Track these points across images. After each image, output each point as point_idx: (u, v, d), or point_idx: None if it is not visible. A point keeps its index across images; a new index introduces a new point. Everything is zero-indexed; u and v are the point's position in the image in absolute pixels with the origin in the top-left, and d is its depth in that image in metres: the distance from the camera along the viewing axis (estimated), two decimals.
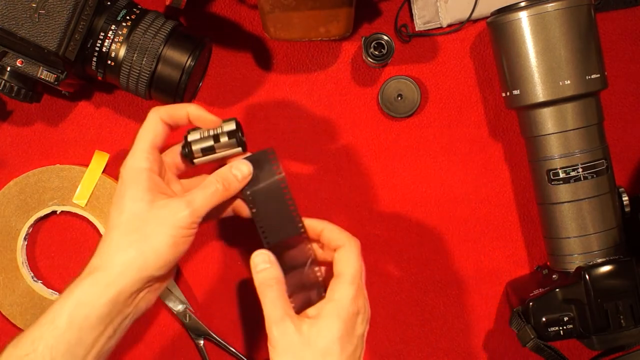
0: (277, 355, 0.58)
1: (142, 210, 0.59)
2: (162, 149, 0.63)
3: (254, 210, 0.62)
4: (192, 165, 0.64)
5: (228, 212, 0.66)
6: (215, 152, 0.63)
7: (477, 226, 0.79)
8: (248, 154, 0.64)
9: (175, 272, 0.77)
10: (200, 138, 0.63)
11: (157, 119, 0.62)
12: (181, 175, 0.66)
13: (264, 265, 0.61)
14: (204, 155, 0.63)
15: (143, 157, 0.61)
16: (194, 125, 0.63)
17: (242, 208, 0.64)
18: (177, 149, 0.65)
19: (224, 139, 0.63)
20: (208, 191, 0.61)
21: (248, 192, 0.62)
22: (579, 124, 0.69)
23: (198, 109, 0.62)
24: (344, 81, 0.78)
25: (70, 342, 0.57)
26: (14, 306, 0.76)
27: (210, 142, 0.63)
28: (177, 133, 0.64)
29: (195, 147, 0.63)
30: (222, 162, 0.64)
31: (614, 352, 0.70)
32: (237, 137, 0.63)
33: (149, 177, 0.60)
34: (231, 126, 0.63)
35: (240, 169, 0.62)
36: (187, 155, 0.63)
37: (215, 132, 0.63)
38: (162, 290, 0.64)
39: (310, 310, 0.61)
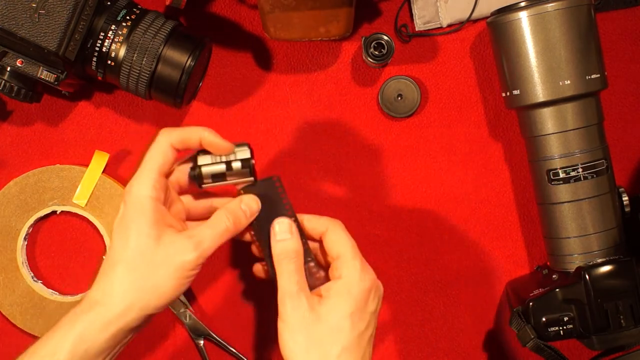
0: (289, 330, 0.58)
1: (147, 248, 0.57)
2: (169, 173, 0.62)
3: (262, 242, 0.62)
4: (199, 189, 0.62)
5: None
6: (225, 179, 0.62)
7: (477, 226, 0.79)
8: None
9: None
10: (212, 162, 0.61)
11: (167, 145, 0.60)
12: (183, 193, 0.64)
13: (285, 235, 0.61)
14: (213, 181, 0.62)
15: (149, 185, 0.59)
16: (204, 148, 0.61)
17: (243, 232, 0.63)
18: (184, 168, 0.62)
19: (236, 166, 0.61)
20: (218, 230, 0.59)
21: (256, 226, 0.62)
22: (579, 124, 0.69)
23: (211, 135, 0.60)
24: (344, 81, 0.78)
25: None
26: (14, 306, 0.76)
27: (222, 168, 0.61)
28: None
29: (205, 171, 0.61)
30: (229, 187, 0.63)
31: (614, 352, 0.70)
32: (251, 167, 0.61)
33: (155, 208, 0.58)
34: (245, 154, 0.61)
35: (249, 206, 0.61)
36: (196, 178, 0.61)
37: (228, 159, 0.61)
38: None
39: (319, 290, 0.60)
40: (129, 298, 0.57)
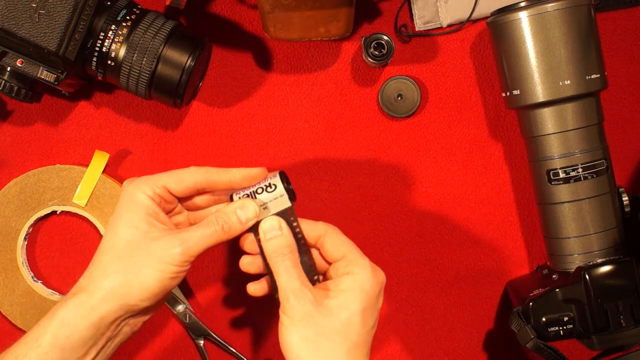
0: (294, 324, 0.57)
1: (135, 239, 0.58)
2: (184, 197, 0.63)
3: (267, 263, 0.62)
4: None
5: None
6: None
7: (477, 226, 0.79)
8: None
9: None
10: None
11: (191, 173, 0.61)
12: None
13: (274, 232, 0.60)
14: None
15: (148, 186, 0.60)
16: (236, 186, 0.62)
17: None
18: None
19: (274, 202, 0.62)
20: (205, 232, 0.59)
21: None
22: (579, 124, 0.69)
23: (240, 171, 0.61)
24: (344, 81, 0.78)
25: None
26: (14, 306, 0.76)
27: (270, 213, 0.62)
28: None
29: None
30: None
31: (614, 352, 0.70)
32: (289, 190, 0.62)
33: (149, 205, 0.59)
34: (285, 204, 0.61)
35: (246, 211, 0.61)
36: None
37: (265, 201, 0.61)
38: (149, 317, 0.63)
39: (326, 285, 0.60)
40: (111, 285, 0.58)
